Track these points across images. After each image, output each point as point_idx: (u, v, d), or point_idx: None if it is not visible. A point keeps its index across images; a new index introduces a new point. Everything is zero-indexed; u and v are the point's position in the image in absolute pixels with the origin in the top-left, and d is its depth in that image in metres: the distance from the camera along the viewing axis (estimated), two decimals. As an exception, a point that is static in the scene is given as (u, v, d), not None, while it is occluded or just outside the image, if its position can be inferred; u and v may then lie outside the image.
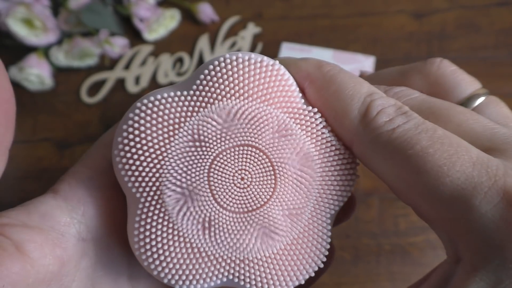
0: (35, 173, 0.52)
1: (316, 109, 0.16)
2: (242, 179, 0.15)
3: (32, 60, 0.57)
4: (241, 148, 0.15)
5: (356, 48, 0.60)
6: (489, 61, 0.58)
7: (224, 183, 0.15)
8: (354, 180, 0.17)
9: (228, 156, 0.15)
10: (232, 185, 0.15)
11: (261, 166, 0.15)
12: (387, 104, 0.17)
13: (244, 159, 0.15)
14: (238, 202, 0.15)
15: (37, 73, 0.56)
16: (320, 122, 0.16)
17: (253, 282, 0.15)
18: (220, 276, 0.15)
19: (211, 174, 0.15)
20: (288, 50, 0.53)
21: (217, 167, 0.15)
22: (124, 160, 0.15)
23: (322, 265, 0.16)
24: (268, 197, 0.15)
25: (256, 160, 0.15)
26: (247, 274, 0.15)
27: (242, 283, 0.15)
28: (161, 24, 0.61)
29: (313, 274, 0.16)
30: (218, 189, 0.15)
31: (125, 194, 0.16)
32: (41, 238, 0.17)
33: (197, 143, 0.15)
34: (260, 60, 0.16)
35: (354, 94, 0.16)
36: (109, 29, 0.59)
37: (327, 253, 0.16)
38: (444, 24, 0.62)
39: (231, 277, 0.15)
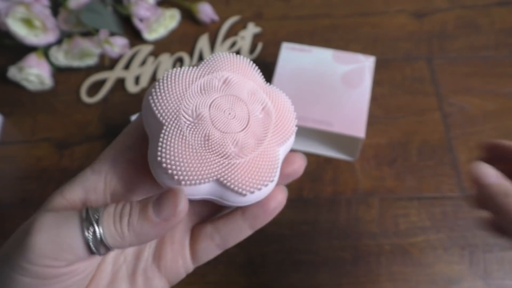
0: (34, 173, 0.52)
1: (269, 84, 0.26)
2: (229, 114, 0.24)
3: (31, 60, 0.57)
4: (230, 96, 0.24)
5: (356, 48, 0.60)
6: (490, 61, 0.58)
7: (218, 114, 0.24)
8: (295, 125, 0.26)
9: (222, 100, 0.24)
10: (223, 116, 0.24)
11: (241, 108, 0.24)
12: None
13: (231, 102, 0.24)
14: (226, 126, 0.23)
15: (36, 73, 0.56)
16: (275, 90, 0.26)
17: (232, 181, 0.23)
18: (213, 175, 0.23)
19: (211, 109, 0.24)
20: (288, 50, 0.52)
21: (215, 105, 0.24)
22: (156, 100, 0.23)
23: (273, 180, 0.24)
24: (244, 127, 0.24)
25: (238, 104, 0.24)
26: (228, 174, 0.23)
27: (225, 181, 0.23)
28: (161, 24, 0.61)
29: (267, 185, 0.23)
30: (214, 118, 0.23)
31: (148, 136, 0.24)
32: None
33: (203, 91, 0.24)
34: (242, 57, 0.26)
35: None
36: (109, 29, 0.59)
37: (276, 171, 0.24)
38: (444, 24, 0.61)
39: (218, 176, 0.23)
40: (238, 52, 0.60)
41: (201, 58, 0.60)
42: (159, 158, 0.22)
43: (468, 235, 0.47)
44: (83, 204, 0.24)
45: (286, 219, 0.48)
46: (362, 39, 0.60)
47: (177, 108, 0.23)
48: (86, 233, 0.21)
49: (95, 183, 0.24)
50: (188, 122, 0.23)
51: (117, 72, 0.59)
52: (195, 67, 0.25)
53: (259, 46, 0.60)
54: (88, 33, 0.59)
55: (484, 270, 0.45)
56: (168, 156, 0.22)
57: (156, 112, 0.23)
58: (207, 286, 0.45)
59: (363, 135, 0.47)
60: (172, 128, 0.23)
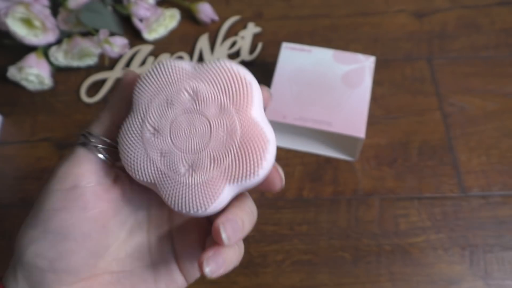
0: (34, 173, 0.52)
1: (248, 102, 0.24)
2: (190, 132, 0.23)
3: (31, 60, 0.57)
4: (194, 114, 0.24)
5: (356, 48, 0.60)
6: (490, 61, 0.58)
7: (178, 132, 0.24)
8: (266, 167, 0.23)
9: (186, 116, 0.24)
10: (183, 135, 0.23)
11: (203, 127, 0.23)
12: None
13: (193, 120, 0.24)
14: (183, 145, 0.23)
15: (36, 73, 0.56)
16: (256, 122, 0.23)
17: (164, 192, 0.24)
18: (152, 179, 0.24)
19: (172, 125, 0.24)
20: (288, 50, 0.52)
21: (177, 122, 0.24)
22: (138, 87, 0.24)
23: (206, 210, 0.24)
24: (203, 146, 0.23)
25: (200, 122, 0.23)
26: (164, 185, 0.24)
27: (159, 189, 0.24)
28: (161, 23, 0.61)
29: (198, 212, 0.24)
30: (174, 134, 0.24)
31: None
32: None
33: (170, 104, 0.24)
34: (241, 75, 0.24)
35: None
36: (109, 28, 0.59)
37: (212, 204, 0.23)
38: (445, 23, 0.61)
39: (155, 182, 0.24)
40: (238, 52, 0.60)
41: (201, 58, 0.60)
42: (119, 147, 0.25)
43: (469, 235, 0.46)
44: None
45: (286, 219, 0.48)
46: (362, 39, 0.60)
47: (147, 108, 0.24)
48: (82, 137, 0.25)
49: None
50: (149, 134, 0.24)
51: (117, 72, 0.59)
52: (190, 66, 0.25)
53: (259, 46, 0.60)
54: (88, 33, 0.59)
55: (485, 270, 0.45)
56: (124, 149, 0.24)
57: (134, 96, 0.25)
58: (207, 286, 0.45)
59: (363, 135, 0.47)
60: (135, 134, 0.24)
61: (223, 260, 0.23)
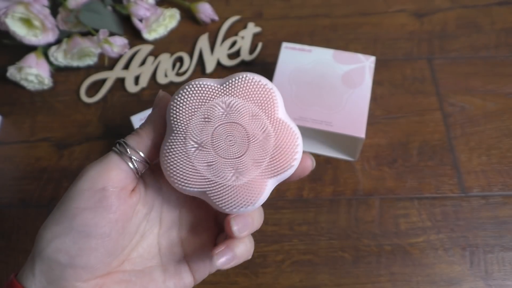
0: (34, 173, 0.52)
1: (278, 111, 0.27)
2: (230, 141, 0.26)
3: (31, 60, 0.57)
4: (231, 124, 0.27)
5: (356, 47, 0.59)
6: (490, 61, 0.58)
7: (219, 142, 0.26)
8: (298, 157, 0.27)
9: (223, 127, 0.26)
10: (224, 144, 0.26)
11: (240, 135, 0.27)
12: None
13: (232, 129, 0.27)
14: (226, 153, 0.26)
15: (36, 73, 0.56)
16: (284, 123, 0.27)
17: (215, 198, 0.26)
18: (201, 188, 0.26)
19: (214, 136, 0.26)
20: (288, 50, 0.52)
21: (217, 133, 0.26)
22: (173, 107, 0.27)
23: (254, 205, 0.27)
24: (243, 152, 0.26)
25: (238, 130, 0.27)
26: (214, 191, 0.26)
27: (210, 196, 0.26)
28: (161, 23, 0.61)
29: (247, 207, 0.27)
30: (216, 145, 0.26)
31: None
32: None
33: (207, 119, 0.27)
34: (264, 85, 0.27)
35: None
36: (108, 28, 0.59)
37: (258, 200, 0.27)
38: (445, 23, 0.61)
39: (205, 190, 0.26)
40: (238, 52, 0.60)
41: (201, 58, 0.60)
42: (162, 159, 0.27)
43: (469, 235, 0.46)
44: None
45: (286, 219, 0.48)
46: (362, 39, 0.60)
47: (187, 126, 0.26)
48: (117, 148, 0.27)
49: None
50: (193, 149, 0.26)
51: (117, 72, 0.59)
52: (217, 83, 0.27)
53: (259, 46, 0.60)
54: (88, 33, 0.59)
55: (485, 270, 0.45)
56: (167, 160, 0.27)
57: (171, 118, 0.27)
58: (207, 286, 0.45)
59: (363, 135, 0.47)
60: (179, 151, 0.26)
61: (234, 253, 0.27)
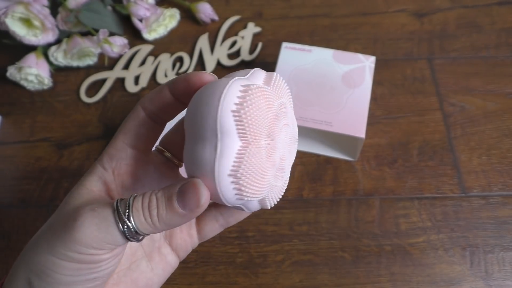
0: (34, 173, 0.52)
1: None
2: (289, 140, 0.27)
3: (31, 60, 0.56)
4: (290, 125, 0.26)
5: (356, 48, 0.59)
6: (491, 61, 0.58)
7: (283, 142, 0.26)
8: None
9: (285, 128, 0.26)
10: (286, 144, 0.26)
11: (294, 135, 0.28)
12: None
13: (290, 130, 0.27)
14: (285, 153, 0.26)
15: (36, 73, 0.56)
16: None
17: (270, 199, 0.26)
18: (264, 195, 0.25)
19: (281, 135, 0.25)
20: (288, 50, 0.52)
21: (283, 132, 0.26)
22: (241, 120, 0.23)
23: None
24: (293, 153, 0.28)
25: (293, 131, 0.27)
26: (269, 193, 0.26)
27: (265, 199, 0.26)
28: (161, 23, 0.61)
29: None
30: (281, 145, 0.25)
31: (189, 136, 0.25)
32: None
33: (276, 117, 0.25)
34: (283, 82, 0.27)
35: None
36: (108, 28, 0.59)
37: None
38: (445, 23, 0.61)
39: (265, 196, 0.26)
40: (238, 52, 0.60)
41: (201, 58, 0.60)
42: (233, 173, 0.23)
43: (469, 235, 0.46)
44: (107, 194, 0.27)
45: (286, 219, 0.48)
46: (362, 39, 0.60)
47: (259, 130, 0.24)
48: (122, 227, 0.23)
49: (108, 177, 0.27)
50: (267, 146, 0.24)
51: (117, 72, 0.59)
52: (269, 88, 0.25)
53: (259, 46, 0.60)
54: (88, 33, 0.59)
55: (485, 270, 0.45)
56: (244, 174, 0.23)
57: (238, 128, 0.23)
58: (207, 286, 0.45)
59: (363, 135, 0.46)
60: (254, 149, 0.23)
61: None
